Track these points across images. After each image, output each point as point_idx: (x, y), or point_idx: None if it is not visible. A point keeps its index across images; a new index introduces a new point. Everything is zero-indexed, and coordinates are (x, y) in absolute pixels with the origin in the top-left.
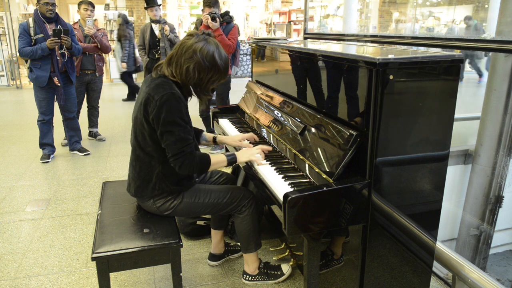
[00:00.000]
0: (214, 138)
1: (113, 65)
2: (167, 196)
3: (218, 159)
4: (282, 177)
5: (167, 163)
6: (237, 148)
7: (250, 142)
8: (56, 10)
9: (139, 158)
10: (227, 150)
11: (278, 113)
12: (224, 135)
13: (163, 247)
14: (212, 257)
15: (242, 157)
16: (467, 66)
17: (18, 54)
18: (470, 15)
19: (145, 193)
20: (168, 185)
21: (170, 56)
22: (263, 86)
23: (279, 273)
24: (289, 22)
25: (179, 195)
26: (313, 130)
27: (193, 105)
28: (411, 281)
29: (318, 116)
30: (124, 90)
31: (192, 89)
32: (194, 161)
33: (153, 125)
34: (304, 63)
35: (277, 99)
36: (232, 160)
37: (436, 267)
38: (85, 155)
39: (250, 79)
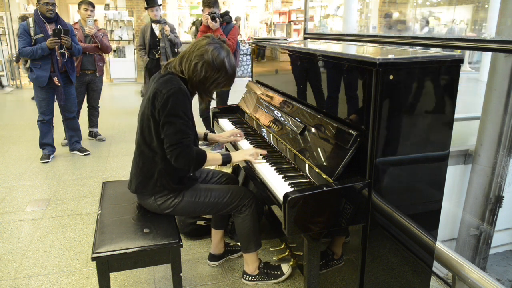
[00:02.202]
0: (205, 135)
1: (113, 65)
2: (168, 194)
3: (213, 156)
4: (282, 177)
5: (170, 160)
6: (235, 147)
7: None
8: (56, 10)
9: (143, 153)
10: (227, 150)
11: (278, 113)
12: None
13: (163, 247)
14: (212, 257)
15: (236, 157)
16: (466, 66)
17: (18, 54)
18: (391, 13)
19: (146, 189)
20: (169, 182)
21: (183, 53)
22: (263, 86)
23: (279, 273)
24: (289, 22)
25: (180, 193)
26: (313, 130)
27: (194, 103)
28: (411, 281)
29: (318, 116)
30: (122, 90)
31: (195, 86)
32: (191, 154)
33: (158, 118)
34: (304, 63)
35: (277, 99)
36: (226, 159)
37: (436, 267)
38: (85, 155)
39: (250, 79)
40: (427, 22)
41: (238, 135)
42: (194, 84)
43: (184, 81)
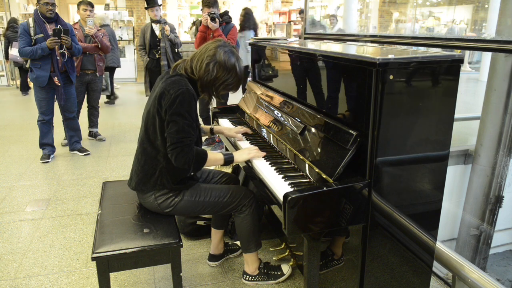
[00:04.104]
0: (212, 130)
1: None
2: (168, 192)
3: (215, 156)
4: (282, 177)
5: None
6: (235, 148)
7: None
8: (56, 10)
9: (146, 151)
10: (227, 150)
11: (278, 113)
12: None
13: (163, 247)
14: (212, 257)
15: (239, 157)
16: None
17: (18, 54)
18: (302, 9)
19: (146, 187)
20: (169, 181)
21: (193, 54)
22: (263, 86)
23: (279, 273)
24: (289, 22)
25: (180, 192)
26: (313, 130)
27: None
28: (411, 281)
29: (318, 116)
30: (122, 90)
31: (205, 85)
32: (191, 153)
33: (164, 117)
34: (304, 63)
35: (277, 99)
36: (229, 159)
37: (436, 267)
38: (85, 155)
39: (250, 79)
40: (337, 20)
41: (242, 134)
42: (204, 84)
43: (191, 83)
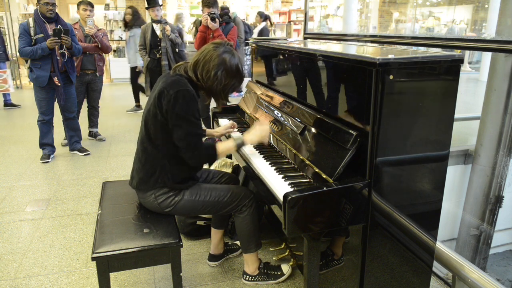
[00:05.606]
0: (204, 131)
1: (113, 65)
2: (168, 192)
3: (226, 146)
4: (282, 177)
5: (172, 159)
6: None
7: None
8: (56, 10)
9: (146, 150)
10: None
11: (278, 113)
12: None
13: (163, 247)
14: (212, 257)
15: (251, 139)
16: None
17: (18, 54)
18: (226, 6)
19: (147, 186)
20: (170, 180)
21: (195, 61)
22: (263, 86)
23: (279, 273)
24: (289, 22)
25: (180, 192)
26: (313, 130)
27: None
28: (411, 281)
29: (318, 116)
30: (122, 90)
31: (215, 93)
32: (201, 153)
33: (164, 116)
34: (304, 63)
35: (277, 99)
36: (240, 145)
37: (436, 267)
38: (85, 155)
39: (250, 79)
40: (266, 17)
41: (232, 127)
42: (214, 91)
43: (191, 83)
